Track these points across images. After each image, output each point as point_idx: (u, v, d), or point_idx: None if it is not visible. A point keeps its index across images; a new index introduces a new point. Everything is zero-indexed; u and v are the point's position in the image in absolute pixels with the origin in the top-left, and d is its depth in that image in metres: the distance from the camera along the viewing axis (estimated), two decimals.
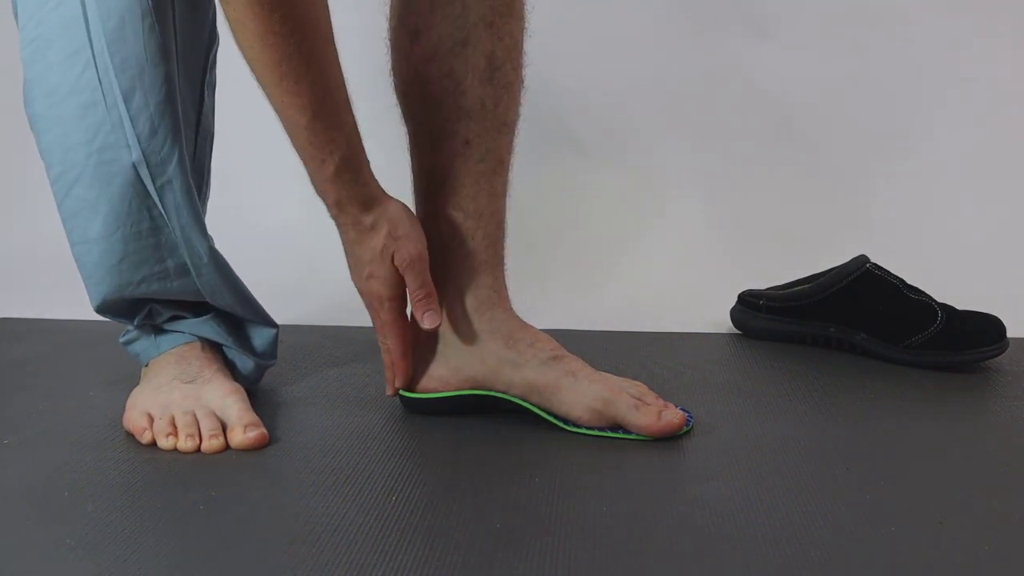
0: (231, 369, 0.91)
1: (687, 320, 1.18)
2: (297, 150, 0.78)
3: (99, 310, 0.88)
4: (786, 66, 1.51)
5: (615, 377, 0.87)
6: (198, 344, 0.89)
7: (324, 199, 0.81)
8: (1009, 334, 1.03)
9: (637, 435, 0.82)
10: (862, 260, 1.08)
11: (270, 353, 0.94)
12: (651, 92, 1.53)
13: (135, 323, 0.89)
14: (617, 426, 0.82)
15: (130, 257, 0.84)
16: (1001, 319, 1.03)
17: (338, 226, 0.83)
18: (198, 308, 0.90)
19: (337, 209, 0.81)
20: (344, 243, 0.84)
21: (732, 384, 0.97)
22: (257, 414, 0.84)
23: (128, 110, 0.80)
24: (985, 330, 1.02)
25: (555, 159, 1.52)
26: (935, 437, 0.84)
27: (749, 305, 1.16)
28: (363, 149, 0.80)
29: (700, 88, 1.53)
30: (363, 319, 1.21)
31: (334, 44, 0.76)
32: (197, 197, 0.87)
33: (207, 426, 0.80)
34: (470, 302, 0.87)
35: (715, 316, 1.21)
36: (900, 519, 0.67)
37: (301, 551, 0.62)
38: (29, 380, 0.98)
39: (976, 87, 1.50)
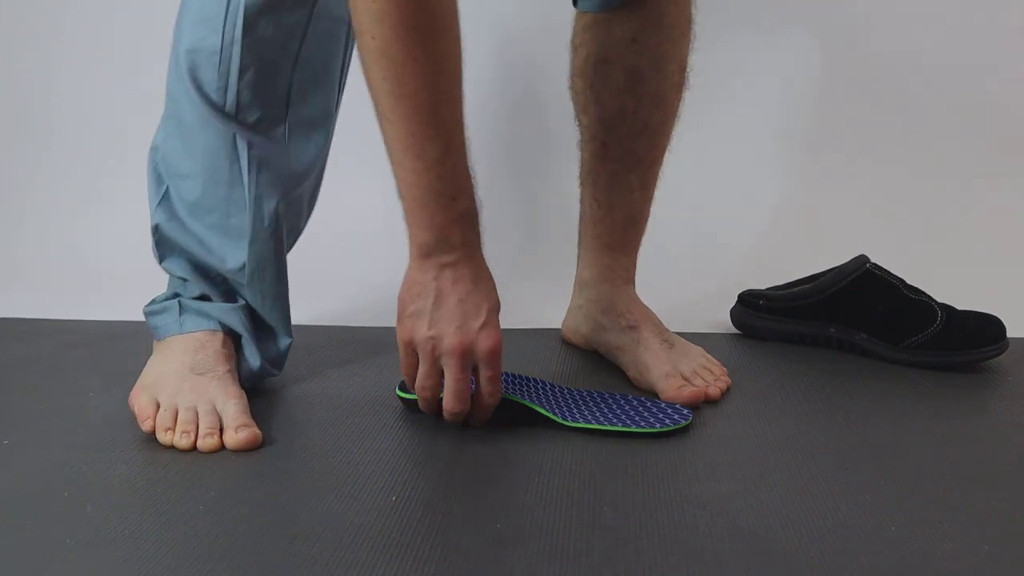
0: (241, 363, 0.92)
1: (687, 320, 1.18)
2: (422, 190, 0.76)
3: (153, 230, 0.91)
4: (786, 66, 1.51)
5: (682, 349, 0.98)
6: (220, 335, 0.89)
7: (440, 241, 0.77)
8: (1009, 334, 1.03)
9: (638, 428, 0.82)
10: (862, 260, 1.08)
11: (279, 363, 0.95)
12: None
13: (167, 291, 0.93)
14: (654, 394, 0.93)
15: (205, 200, 0.89)
16: (1001, 319, 1.03)
17: (439, 265, 0.78)
18: (228, 295, 0.92)
19: (457, 251, 0.78)
20: (442, 283, 0.78)
21: (732, 384, 0.97)
22: (259, 413, 0.85)
23: (237, 61, 0.84)
24: (985, 330, 1.02)
25: (556, 159, 1.52)
26: (935, 437, 0.84)
27: (749, 305, 1.16)
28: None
29: (699, 88, 1.53)
30: (364, 319, 1.22)
31: (462, 83, 0.76)
32: (285, 165, 0.89)
33: (206, 424, 0.81)
34: (592, 274, 1.05)
35: (715, 316, 1.21)
36: (900, 519, 0.67)
37: (301, 551, 0.62)
38: (29, 380, 0.98)
39: (977, 87, 1.50)
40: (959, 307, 1.05)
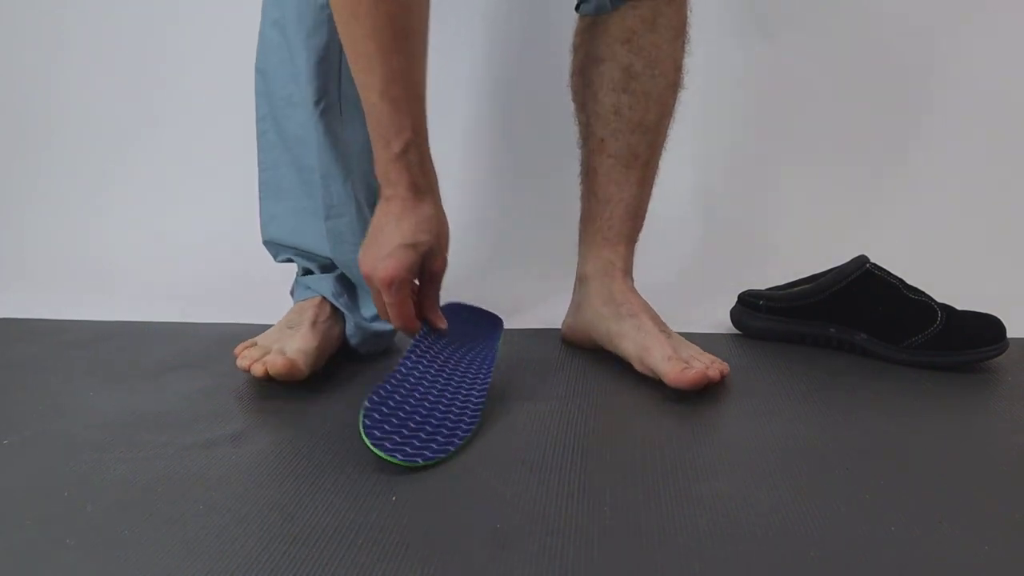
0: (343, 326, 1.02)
1: (687, 320, 1.18)
2: (370, 130, 0.85)
3: (265, 241, 1.07)
4: (786, 66, 1.52)
5: (679, 339, 0.99)
6: (317, 299, 1.02)
7: (383, 180, 0.86)
8: (1009, 334, 1.03)
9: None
10: (862, 260, 1.08)
11: (368, 333, 1.03)
12: None
13: (298, 271, 1.07)
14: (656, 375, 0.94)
15: (281, 183, 1.02)
16: (1001, 319, 1.03)
17: (384, 199, 0.86)
18: (327, 267, 1.04)
19: (393, 189, 0.85)
20: (380, 217, 0.86)
21: (732, 384, 0.97)
22: (257, 413, 0.86)
23: (295, 62, 0.96)
24: (985, 330, 1.02)
25: (556, 159, 1.52)
26: (935, 437, 0.84)
27: (749, 305, 1.16)
28: (427, 142, 0.86)
29: (700, 87, 1.53)
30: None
31: (417, 40, 0.82)
32: (349, 150, 0.99)
33: (265, 359, 0.93)
34: (592, 268, 1.07)
35: (715, 316, 1.21)
36: (900, 519, 0.67)
37: (301, 551, 0.62)
38: (29, 380, 0.98)
39: (976, 87, 1.50)
40: (959, 307, 1.05)
